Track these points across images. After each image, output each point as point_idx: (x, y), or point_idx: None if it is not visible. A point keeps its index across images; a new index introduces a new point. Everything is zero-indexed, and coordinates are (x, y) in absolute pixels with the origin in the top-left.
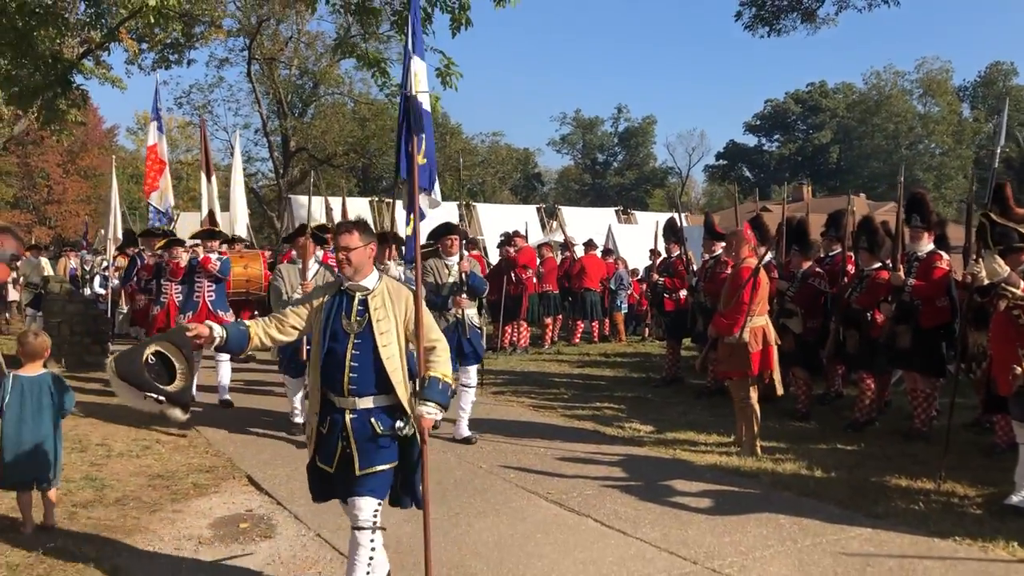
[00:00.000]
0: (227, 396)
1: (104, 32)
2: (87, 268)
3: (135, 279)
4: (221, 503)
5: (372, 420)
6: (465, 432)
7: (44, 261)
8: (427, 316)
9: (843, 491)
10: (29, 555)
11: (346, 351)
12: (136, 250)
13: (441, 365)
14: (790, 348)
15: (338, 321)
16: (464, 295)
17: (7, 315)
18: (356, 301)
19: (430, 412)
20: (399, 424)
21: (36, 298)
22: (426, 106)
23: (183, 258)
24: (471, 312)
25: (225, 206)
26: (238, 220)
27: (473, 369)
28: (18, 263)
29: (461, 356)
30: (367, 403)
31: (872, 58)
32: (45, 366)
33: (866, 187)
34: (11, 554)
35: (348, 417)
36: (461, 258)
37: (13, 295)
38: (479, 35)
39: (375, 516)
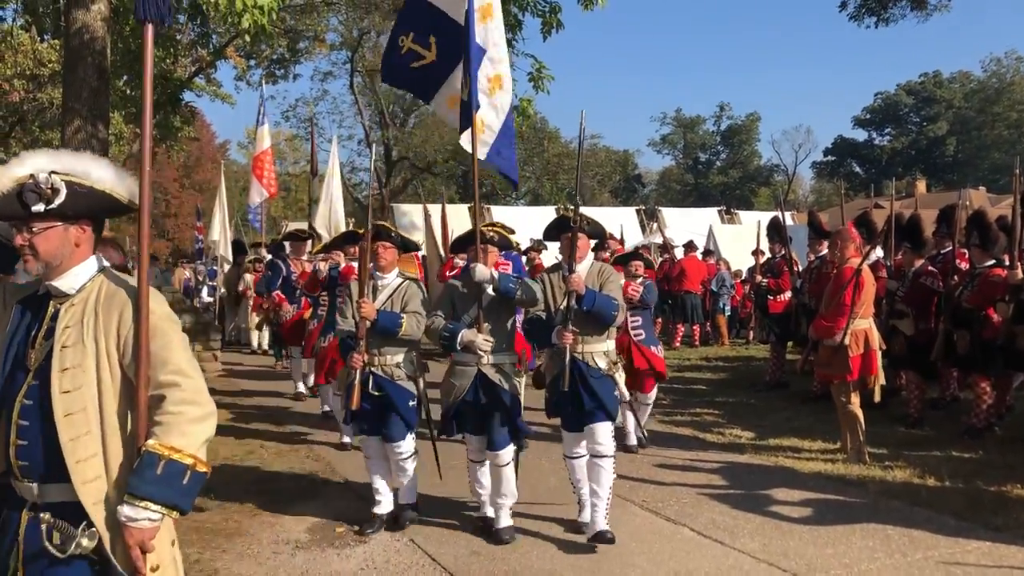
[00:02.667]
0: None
1: (212, 51)
2: (200, 279)
3: (278, 288)
4: (318, 508)
5: (55, 526)
6: (600, 524)
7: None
8: (167, 340)
9: (958, 501)
10: None
11: (16, 399)
12: (291, 256)
13: (171, 430)
14: (901, 350)
15: (23, 344)
16: (571, 326)
17: None
18: (49, 314)
19: (134, 519)
20: (56, 538)
21: None
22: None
23: (322, 267)
24: (597, 350)
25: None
26: (339, 227)
27: (603, 429)
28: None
29: (580, 413)
30: (53, 495)
31: (991, 44)
32: None
33: (986, 180)
34: None
35: (25, 516)
36: (571, 270)
37: None
38: (573, 38)
39: None
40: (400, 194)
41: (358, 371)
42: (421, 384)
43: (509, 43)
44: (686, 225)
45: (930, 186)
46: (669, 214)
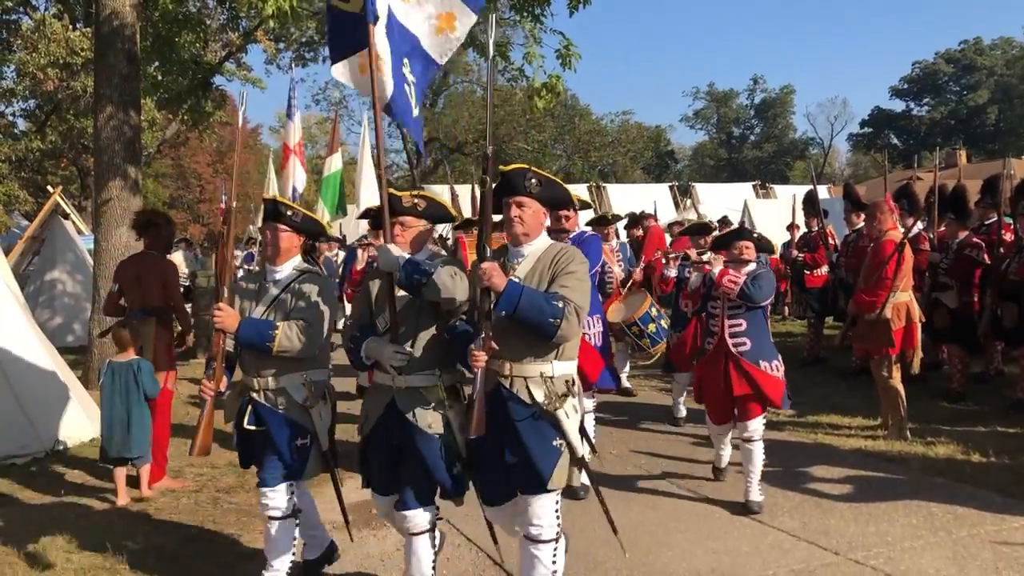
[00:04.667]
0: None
1: (242, 34)
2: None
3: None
4: (355, 489)
5: None
6: None
7: None
8: None
9: (1004, 477)
10: (177, 539)
11: None
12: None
13: None
14: (944, 323)
15: None
16: (483, 340)
17: None
18: None
19: None
20: None
21: (185, 290)
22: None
23: (360, 256)
24: (532, 373)
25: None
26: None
27: (540, 504)
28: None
29: (500, 472)
30: None
31: None
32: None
33: None
34: (159, 538)
35: None
36: (482, 257)
37: None
38: (603, 14)
39: None
40: (431, 175)
41: (208, 401)
42: (317, 416)
43: (537, 19)
44: (720, 201)
45: (971, 156)
46: (703, 190)
